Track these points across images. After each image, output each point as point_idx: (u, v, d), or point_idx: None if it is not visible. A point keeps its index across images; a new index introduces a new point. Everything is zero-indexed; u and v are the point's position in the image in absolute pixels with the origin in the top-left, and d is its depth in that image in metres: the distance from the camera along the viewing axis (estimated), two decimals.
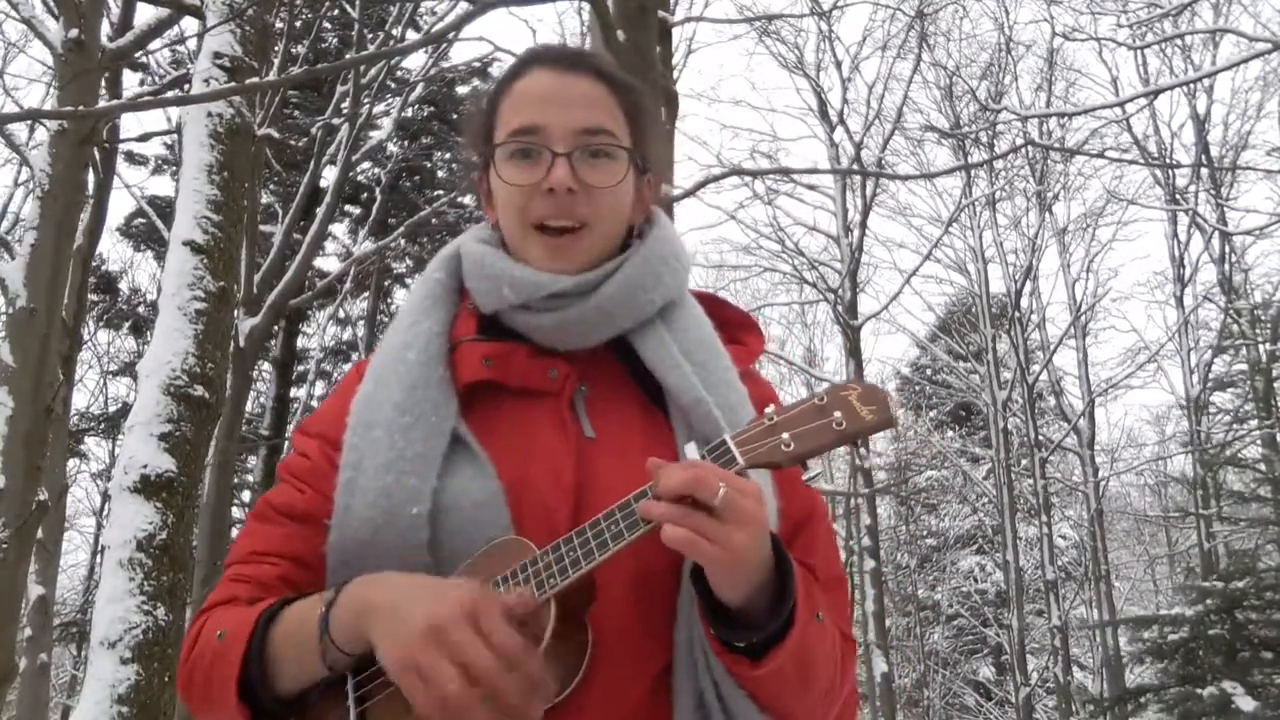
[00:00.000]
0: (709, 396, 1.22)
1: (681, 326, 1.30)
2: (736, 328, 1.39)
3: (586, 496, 1.16)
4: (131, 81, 11.42)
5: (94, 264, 11.09)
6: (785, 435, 1.08)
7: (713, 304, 1.39)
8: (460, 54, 15.93)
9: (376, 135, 12.56)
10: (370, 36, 11.08)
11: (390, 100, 13.49)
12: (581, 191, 1.25)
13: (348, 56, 11.36)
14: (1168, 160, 18.09)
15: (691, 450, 1.10)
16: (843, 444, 1.09)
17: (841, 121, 17.17)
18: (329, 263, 17.55)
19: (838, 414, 1.08)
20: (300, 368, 18.08)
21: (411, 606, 1.02)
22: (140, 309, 18.70)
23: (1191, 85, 17.80)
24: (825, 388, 1.11)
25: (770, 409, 1.10)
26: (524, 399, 1.24)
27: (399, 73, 14.22)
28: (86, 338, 16.34)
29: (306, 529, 1.23)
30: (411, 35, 11.11)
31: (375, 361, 1.29)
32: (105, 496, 18.14)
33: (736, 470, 1.07)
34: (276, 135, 9.87)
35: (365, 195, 17.10)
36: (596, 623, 1.10)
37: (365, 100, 9.78)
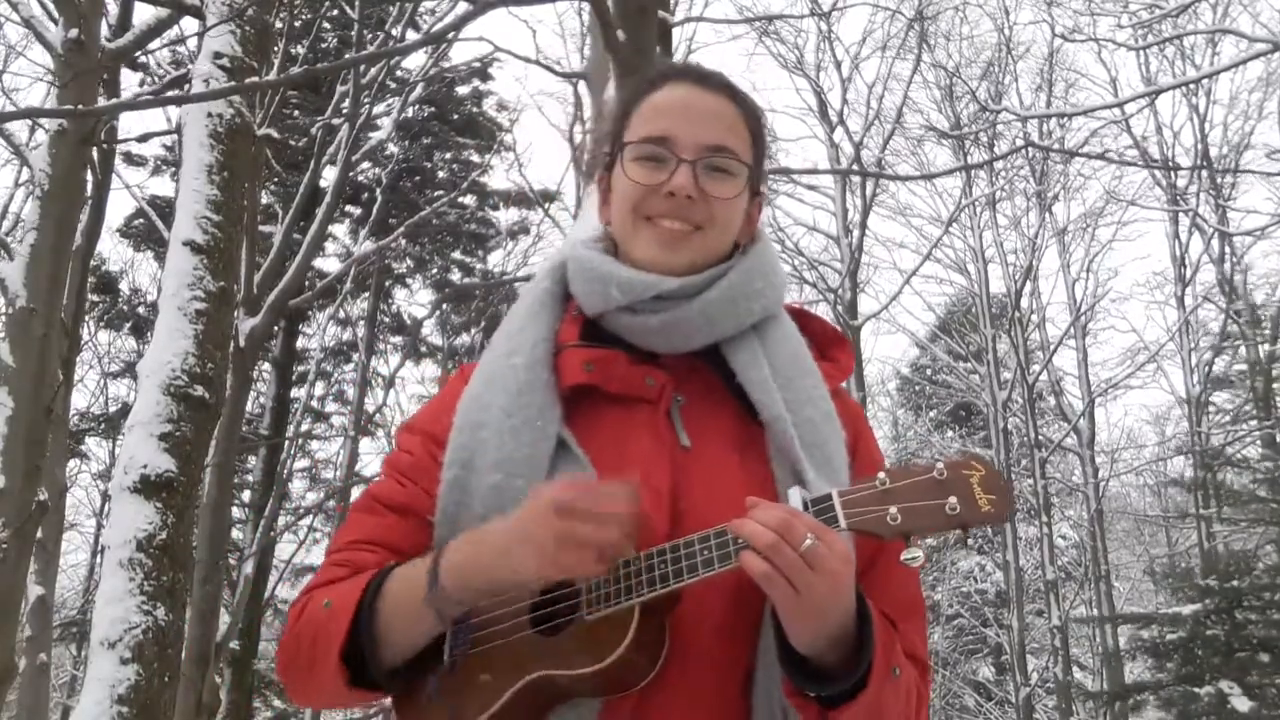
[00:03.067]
0: (787, 415, 1.26)
1: (774, 341, 1.34)
2: (827, 342, 1.42)
3: (681, 504, 1.21)
4: (131, 81, 11.42)
5: (94, 264, 11.09)
6: (894, 509, 1.06)
7: (803, 318, 1.44)
8: (460, 54, 15.92)
9: (376, 135, 12.56)
10: (370, 36, 11.08)
11: (390, 100, 13.48)
12: (700, 199, 1.30)
13: (347, 56, 11.36)
14: (1168, 161, 18.07)
15: (795, 496, 1.11)
16: (952, 530, 1.07)
17: (841, 122, 17.18)
18: (329, 263, 17.52)
19: (953, 499, 1.06)
20: (300, 368, 18.05)
21: (521, 517, 1.12)
22: (140, 309, 18.68)
23: (1191, 86, 17.78)
24: (948, 458, 1.10)
25: (883, 475, 1.09)
26: (623, 406, 1.28)
27: (399, 73, 14.20)
28: (87, 338, 16.32)
29: (405, 521, 1.30)
30: (411, 35, 11.10)
31: (483, 365, 1.36)
32: (105, 496, 18.13)
33: (837, 529, 1.08)
34: (276, 135, 9.86)
35: (365, 195, 17.09)
36: (689, 620, 1.15)
37: (365, 100, 9.77)
